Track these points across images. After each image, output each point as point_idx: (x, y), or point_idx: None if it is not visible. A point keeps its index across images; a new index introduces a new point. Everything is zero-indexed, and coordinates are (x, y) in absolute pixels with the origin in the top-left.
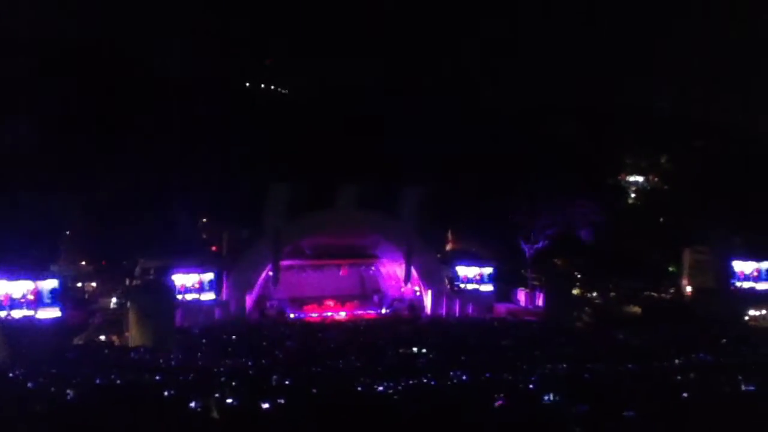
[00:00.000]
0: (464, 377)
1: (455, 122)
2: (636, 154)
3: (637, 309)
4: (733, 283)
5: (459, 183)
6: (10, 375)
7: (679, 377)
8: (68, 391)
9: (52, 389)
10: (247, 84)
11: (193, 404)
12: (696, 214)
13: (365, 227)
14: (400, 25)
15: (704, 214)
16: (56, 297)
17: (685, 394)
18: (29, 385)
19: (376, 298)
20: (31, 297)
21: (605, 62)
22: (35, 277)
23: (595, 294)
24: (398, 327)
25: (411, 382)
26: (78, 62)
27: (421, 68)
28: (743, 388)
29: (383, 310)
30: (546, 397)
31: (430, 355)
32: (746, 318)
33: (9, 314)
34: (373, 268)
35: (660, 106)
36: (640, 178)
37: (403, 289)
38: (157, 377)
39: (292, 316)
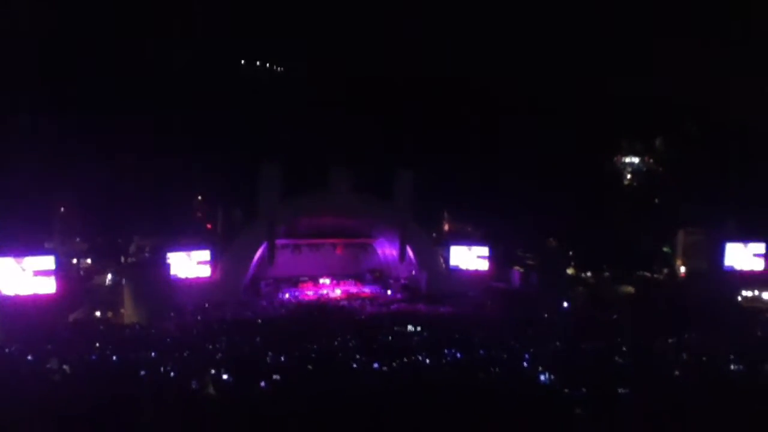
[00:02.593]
0: (458, 355)
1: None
2: (632, 135)
3: (630, 289)
4: (727, 265)
5: (454, 165)
6: (6, 351)
7: (671, 356)
8: (64, 366)
9: (48, 365)
10: (242, 62)
11: (192, 383)
12: (690, 195)
13: (359, 209)
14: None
15: (699, 196)
16: (51, 274)
17: (677, 372)
18: (28, 358)
19: (370, 277)
20: (25, 274)
21: (602, 47)
22: (29, 254)
23: (589, 274)
24: (393, 306)
25: (405, 360)
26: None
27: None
28: (732, 367)
29: (378, 289)
30: (542, 377)
31: (424, 334)
32: (739, 299)
33: (4, 291)
34: (368, 247)
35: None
36: (636, 160)
37: (398, 269)
38: (153, 354)
39: (287, 295)
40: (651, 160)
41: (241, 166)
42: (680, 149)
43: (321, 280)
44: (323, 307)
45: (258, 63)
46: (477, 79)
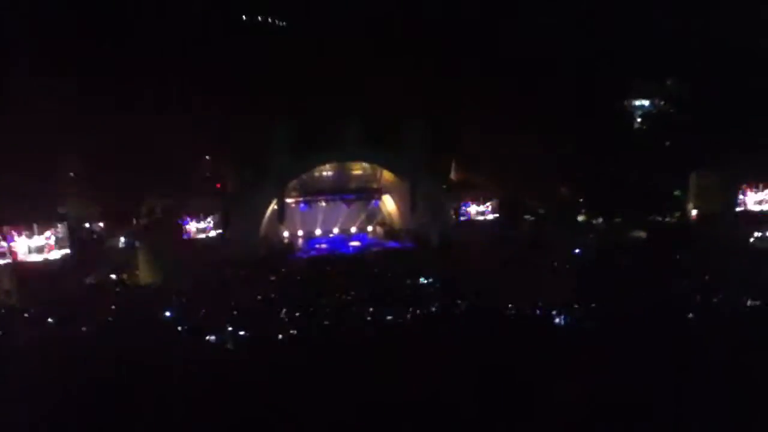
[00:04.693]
0: (469, 303)
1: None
2: (641, 77)
3: (642, 233)
4: (739, 206)
5: (464, 113)
6: (26, 315)
7: (684, 298)
8: (83, 328)
9: (67, 327)
10: (244, 17)
11: (210, 337)
12: (702, 137)
13: (370, 162)
14: None
15: (710, 138)
16: (66, 238)
17: (690, 315)
18: (49, 320)
19: (381, 230)
20: (41, 239)
21: None
22: (44, 219)
23: (600, 220)
24: (404, 258)
25: (418, 311)
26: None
27: None
28: (749, 303)
29: (389, 243)
30: (557, 320)
31: (437, 285)
32: (751, 240)
33: (19, 256)
34: (379, 201)
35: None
36: (646, 102)
37: (408, 221)
38: (169, 313)
39: (298, 251)
40: (662, 102)
41: (250, 123)
42: (692, 89)
43: (332, 236)
44: (334, 262)
45: (260, 18)
46: (483, 22)
